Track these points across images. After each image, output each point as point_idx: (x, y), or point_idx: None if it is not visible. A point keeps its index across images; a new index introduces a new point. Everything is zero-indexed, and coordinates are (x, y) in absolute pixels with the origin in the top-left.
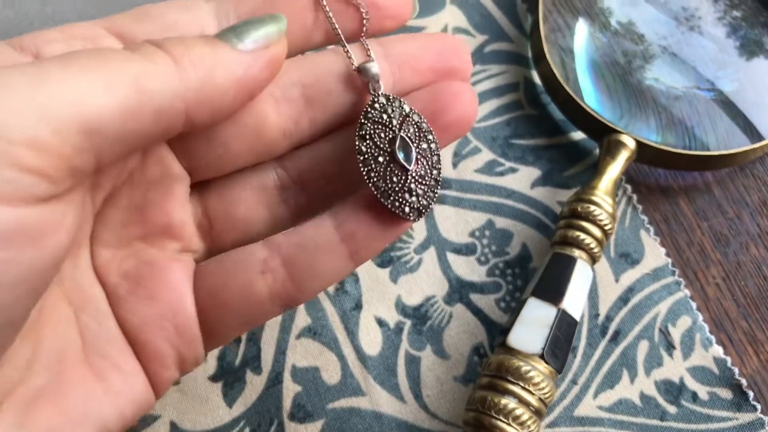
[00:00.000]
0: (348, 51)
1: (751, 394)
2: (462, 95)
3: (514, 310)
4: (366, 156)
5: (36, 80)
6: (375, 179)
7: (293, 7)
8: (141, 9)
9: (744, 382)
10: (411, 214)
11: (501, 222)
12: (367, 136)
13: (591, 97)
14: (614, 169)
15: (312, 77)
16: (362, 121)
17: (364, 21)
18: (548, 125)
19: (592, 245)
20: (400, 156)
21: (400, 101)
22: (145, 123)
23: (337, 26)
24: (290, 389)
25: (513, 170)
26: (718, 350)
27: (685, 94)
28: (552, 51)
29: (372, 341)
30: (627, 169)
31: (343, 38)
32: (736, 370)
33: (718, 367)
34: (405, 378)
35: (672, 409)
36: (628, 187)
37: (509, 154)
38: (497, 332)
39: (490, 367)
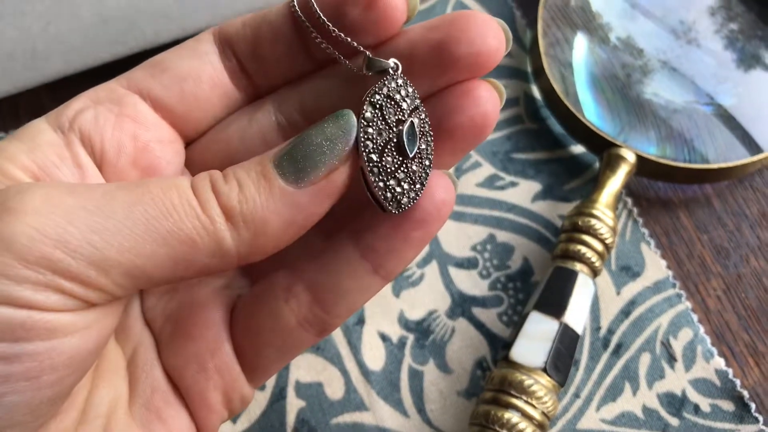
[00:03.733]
0: (342, 57)
1: (753, 405)
2: (475, 93)
3: (516, 324)
4: (369, 124)
5: (96, 221)
6: (370, 151)
7: None
8: (154, 60)
9: (746, 394)
10: (390, 202)
11: (502, 236)
12: (377, 105)
13: (591, 111)
14: (614, 182)
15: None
16: (376, 89)
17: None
18: (548, 139)
19: (593, 259)
20: (406, 140)
21: (415, 91)
22: (192, 273)
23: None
24: (294, 405)
25: (514, 184)
26: (719, 362)
27: (684, 108)
28: (551, 65)
29: (375, 356)
30: (627, 182)
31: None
32: (738, 382)
33: (719, 380)
34: (408, 393)
35: (674, 422)
36: (629, 200)
37: (510, 169)
38: (500, 346)
39: (493, 382)
